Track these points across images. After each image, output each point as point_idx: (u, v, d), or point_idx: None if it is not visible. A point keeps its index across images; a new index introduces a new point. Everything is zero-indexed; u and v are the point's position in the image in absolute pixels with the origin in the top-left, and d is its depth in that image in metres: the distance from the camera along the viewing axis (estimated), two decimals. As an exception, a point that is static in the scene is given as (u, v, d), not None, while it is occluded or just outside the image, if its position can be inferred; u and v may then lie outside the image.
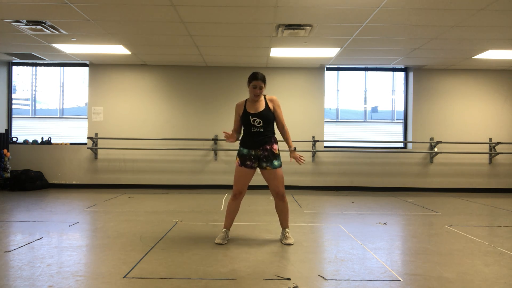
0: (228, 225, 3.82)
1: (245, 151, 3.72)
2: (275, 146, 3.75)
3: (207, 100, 8.08)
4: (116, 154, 7.99)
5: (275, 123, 3.83)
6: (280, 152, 3.82)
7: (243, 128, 3.82)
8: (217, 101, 8.06)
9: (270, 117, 3.73)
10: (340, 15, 4.98)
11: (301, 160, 3.75)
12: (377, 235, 4.15)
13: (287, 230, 3.81)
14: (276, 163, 3.71)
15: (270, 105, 3.75)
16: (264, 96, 3.79)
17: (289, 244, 3.69)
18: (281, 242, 3.76)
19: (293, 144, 3.85)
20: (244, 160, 3.71)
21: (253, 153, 3.70)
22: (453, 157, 8.08)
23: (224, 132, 3.76)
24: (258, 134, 3.69)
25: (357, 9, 4.76)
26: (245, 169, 3.71)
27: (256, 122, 3.67)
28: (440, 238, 4.08)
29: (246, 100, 3.80)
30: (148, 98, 8.07)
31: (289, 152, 3.81)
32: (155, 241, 3.78)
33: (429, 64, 7.74)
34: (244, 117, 3.71)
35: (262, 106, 3.72)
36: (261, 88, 3.68)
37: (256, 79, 3.65)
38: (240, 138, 3.88)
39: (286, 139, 3.84)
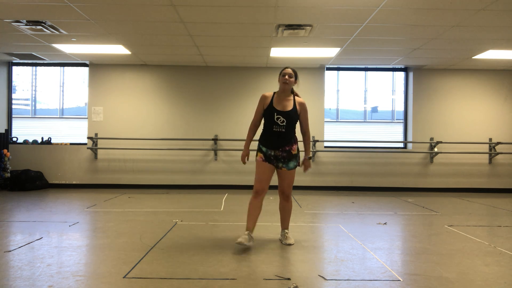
0: (250, 227, 3.54)
1: (264, 149, 3.63)
2: (294, 147, 3.64)
3: (207, 100, 8.08)
4: (116, 154, 7.99)
5: (297, 126, 3.73)
6: (300, 153, 3.73)
7: (263, 122, 3.70)
8: (217, 101, 8.06)
9: (294, 119, 3.62)
10: (340, 15, 4.98)
11: (307, 170, 3.75)
12: (377, 235, 4.15)
13: (286, 230, 3.80)
14: (291, 164, 3.63)
15: (298, 108, 3.63)
16: (294, 96, 3.68)
17: (289, 244, 3.69)
18: (281, 242, 3.76)
19: (311, 153, 3.80)
20: (265, 156, 3.62)
21: (272, 153, 3.60)
22: (453, 157, 8.08)
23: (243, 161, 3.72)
24: (278, 134, 3.56)
25: (357, 9, 4.76)
26: (268, 164, 3.61)
27: (280, 120, 3.55)
28: (440, 238, 4.08)
29: (274, 93, 3.67)
30: (148, 98, 8.07)
31: (304, 158, 3.72)
32: (155, 241, 3.78)
33: (429, 64, 7.74)
34: (269, 112, 3.58)
35: (290, 106, 3.60)
36: (290, 77, 3.59)
37: (286, 67, 3.62)
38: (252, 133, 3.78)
39: (306, 145, 3.76)
